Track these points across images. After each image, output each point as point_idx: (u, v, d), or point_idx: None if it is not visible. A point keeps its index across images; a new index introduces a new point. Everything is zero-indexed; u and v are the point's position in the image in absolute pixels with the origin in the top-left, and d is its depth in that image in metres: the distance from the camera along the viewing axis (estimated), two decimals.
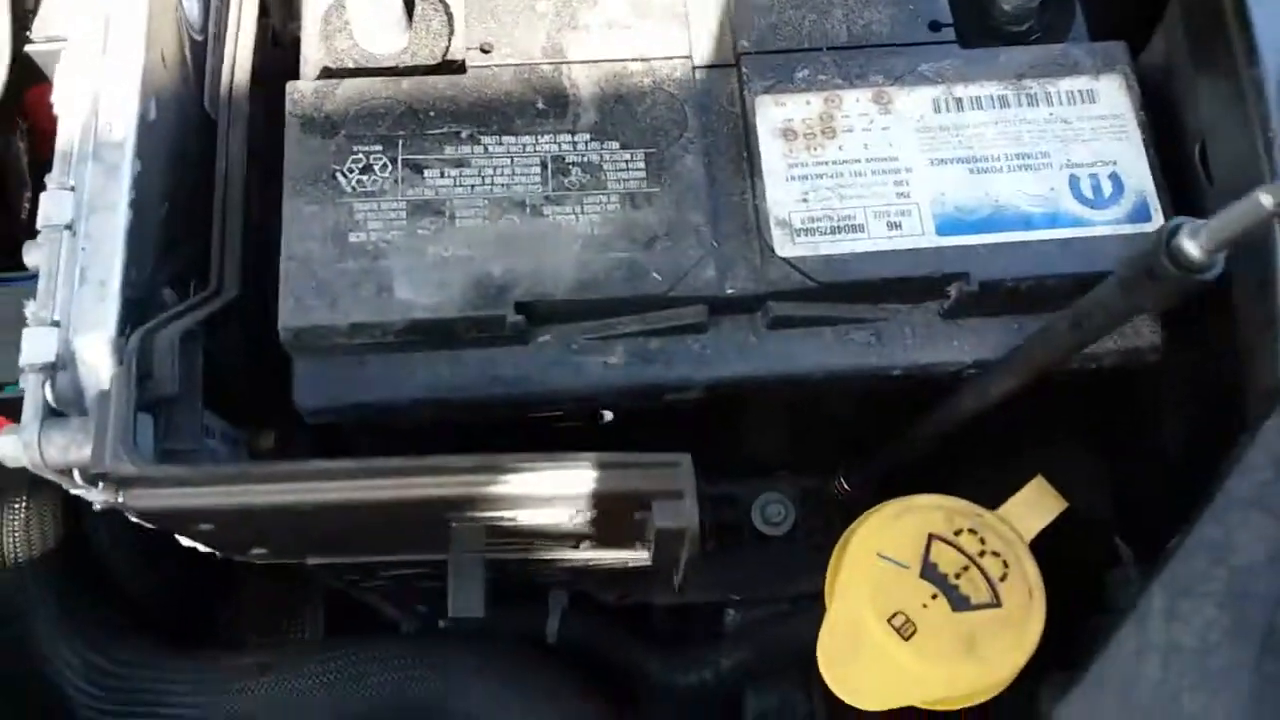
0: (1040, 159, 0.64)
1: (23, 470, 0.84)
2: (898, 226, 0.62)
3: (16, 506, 0.81)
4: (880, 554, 0.59)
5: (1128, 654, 0.53)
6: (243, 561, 0.67)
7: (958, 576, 0.59)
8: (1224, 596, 0.52)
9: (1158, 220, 0.63)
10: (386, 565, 0.74)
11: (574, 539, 0.65)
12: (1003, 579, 0.59)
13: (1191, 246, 0.43)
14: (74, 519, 0.86)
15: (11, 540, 0.81)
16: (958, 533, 0.60)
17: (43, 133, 0.77)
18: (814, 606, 0.64)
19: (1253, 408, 0.57)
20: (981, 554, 0.59)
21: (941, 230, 0.62)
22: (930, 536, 0.59)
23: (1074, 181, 0.63)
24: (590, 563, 0.75)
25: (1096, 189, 0.63)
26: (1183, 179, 0.65)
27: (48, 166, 0.66)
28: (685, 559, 0.60)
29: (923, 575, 0.59)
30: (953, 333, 0.64)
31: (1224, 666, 0.51)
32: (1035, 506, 0.61)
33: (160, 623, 0.88)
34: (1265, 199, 0.38)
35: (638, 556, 0.70)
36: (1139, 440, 0.76)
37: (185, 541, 0.65)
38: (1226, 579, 0.52)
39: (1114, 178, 0.64)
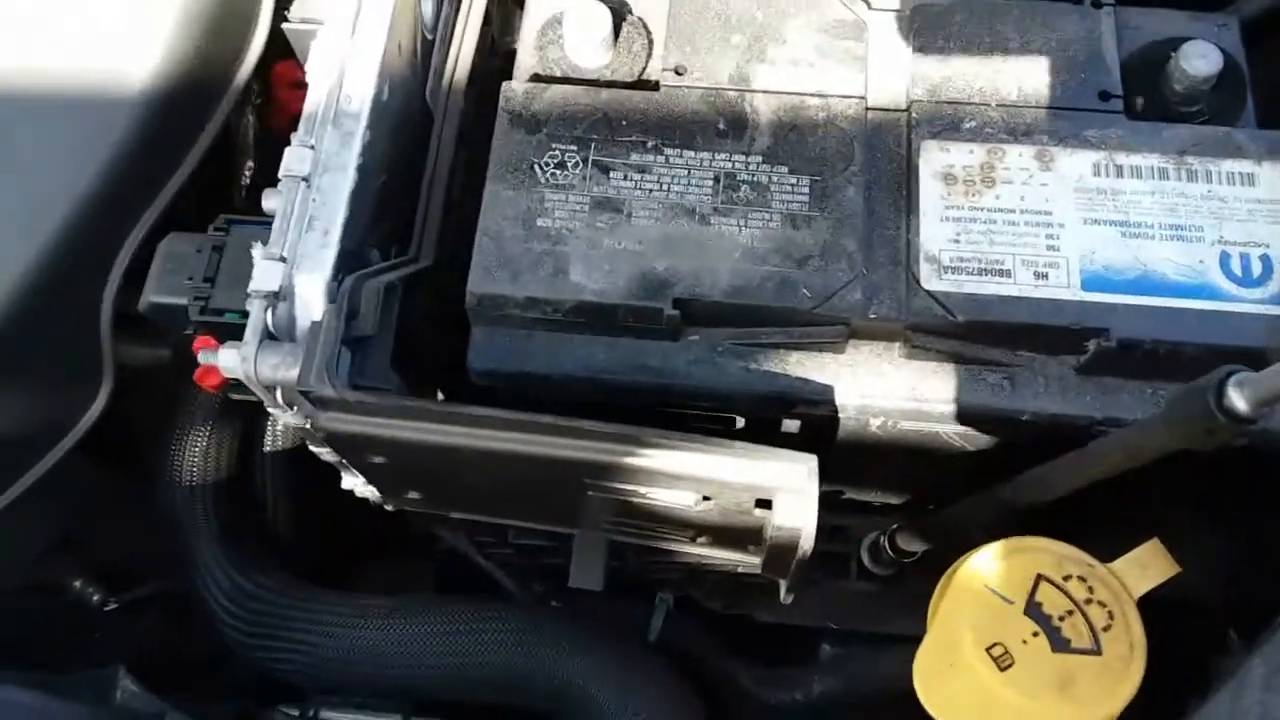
0: (1193, 232, 0.66)
1: (211, 403, 0.94)
2: (1044, 277, 0.65)
3: (200, 435, 0.91)
4: (987, 586, 0.62)
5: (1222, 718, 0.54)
6: (375, 534, 0.72)
7: (1061, 619, 0.60)
8: None
9: None
10: (520, 532, 0.80)
11: (694, 530, 0.70)
12: (1106, 629, 0.60)
13: (1239, 398, 0.43)
14: (245, 457, 0.96)
15: (190, 464, 0.91)
16: (1066, 578, 0.62)
17: (277, 105, 0.88)
18: (909, 648, 0.66)
19: None
20: (1088, 602, 0.61)
21: (1087, 286, 0.64)
22: (1039, 577, 0.61)
23: (1225, 258, 0.65)
24: (704, 561, 0.79)
25: (1246, 268, 0.65)
26: None
27: (271, 139, 0.76)
28: (795, 567, 0.64)
29: (1026, 612, 0.61)
30: (1086, 388, 0.66)
31: None
32: (1147, 567, 0.63)
33: (301, 561, 0.96)
34: None
35: (749, 560, 0.74)
36: (1265, 527, 0.75)
37: (348, 481, 0.73)
38: None
39: (1265, 259, 0.65)
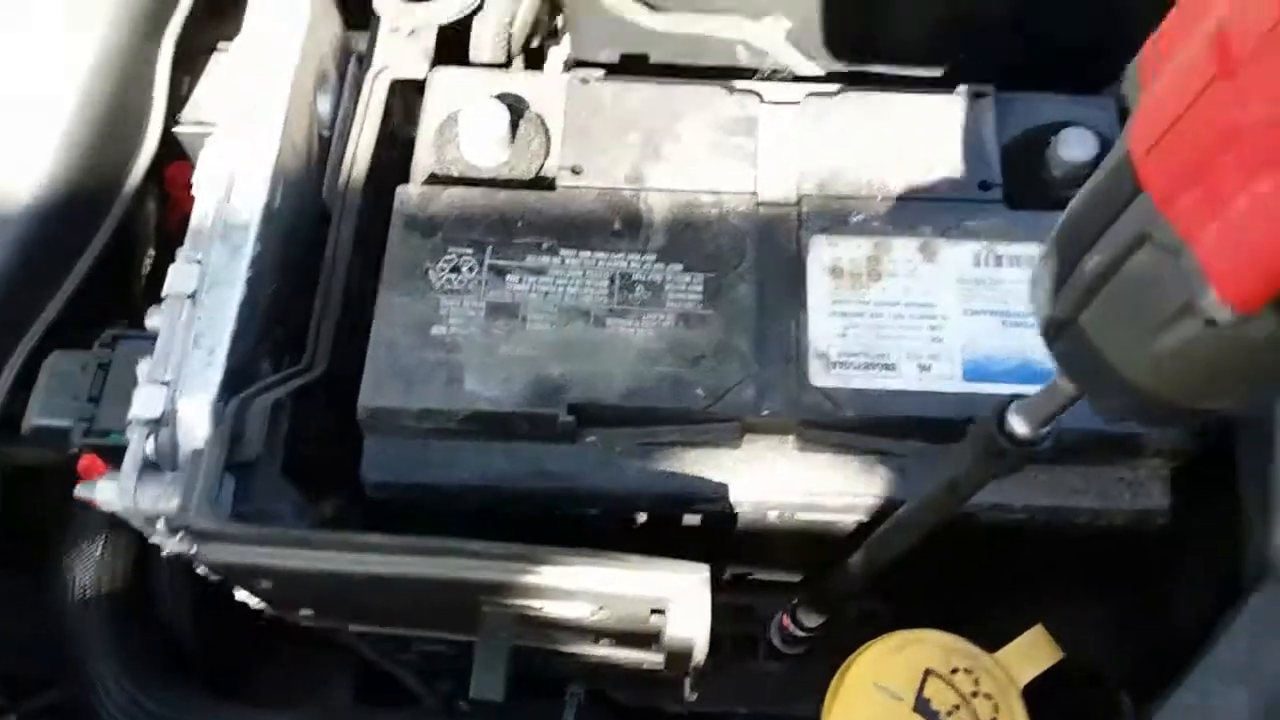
0: None
1: (102, 513, 0.92)
2: (928, 369, 0.67)
3: (95, 544, 0.89)
4: (877, 684, 0.63)
5: None
6: (283, 626, 0.72)
7: (949, 714, 0.62)
8: None
9: None
10: (420, 640, 0.79)
11: (594, 634, 0.70)
12: None
13: (1018, 422, 0.45)
14: (142, 564, 0.93)
15: (84, 574, 0.88)
16: (953, 671, 0.63)
17: (172, 204, 0.87)
18: None
19: (1248, 581, 0.60)
20: (974, 694, 0.62)
21: (969, 376, 0.66)
22: (927, 672, 0.63)
23: None
24: (608, 660, 0.79)
25: None
26: None
27: (172, 232, 0.75)
28: (694, 669, 0.65)
29: (915, 709, 0.62)
30: None
31: None
32: (1031, 654, 0.64)
33: (202, 672, 0.94)
34: (1062, 384, 0.40)
35: (652, 659, 0.74)
36: (1151, 599, 0.78)
37: (241, 595, 0.72)
38: None
39: None
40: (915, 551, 0.62)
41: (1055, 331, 0.31)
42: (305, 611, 0.67)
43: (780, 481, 0.68)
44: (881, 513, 0.68)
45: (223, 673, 0.94)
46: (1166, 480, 0.68)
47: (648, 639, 0.65)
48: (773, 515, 0.70)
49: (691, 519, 0.71)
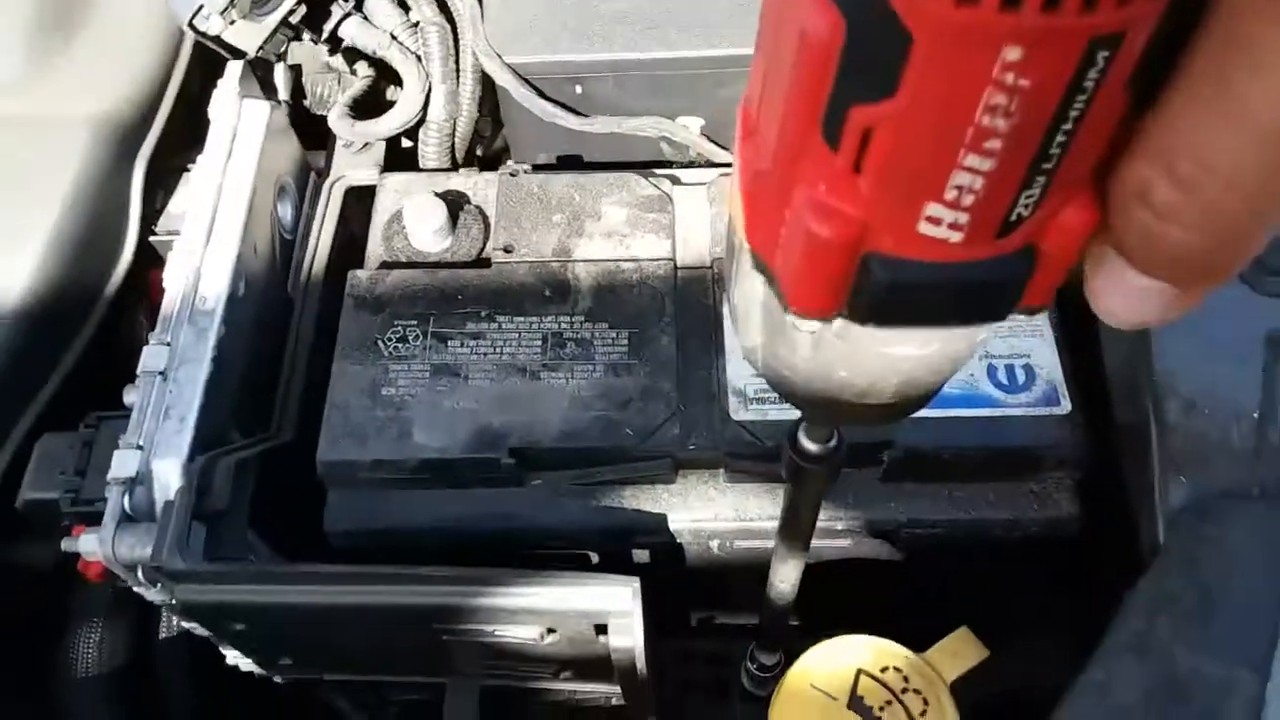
0: None
1: (102, 594, 0.97)
2: None
3: (93, 626, 0.93)
4: (813, 685, 0.67)
5: None
6: (279, 703, 0.75)
7: (881, 709, 0.66)
8: None
9: (1065, 405, 0.73)
10: (396, 688, 0.83)
11: (555, 665, 0.74)
12: (922, 714, 0.65)
13: (807, 441, 0.48)
14: (141, 644, 0.97)
15: (85, 657, 0.92)
16: (884, 670, 0.67)
17: (154, 307, 0.95)
18: None
19: (1144, 564, 0.65)
20: (904, 690, 0.66)
21: None
22: (859, 671, 0.67)
23: (991, 369, 0.74)
24: (574, 697, 0.83)
25: (1012, 377, 0.74)
26: (1091, 372, 0.75)
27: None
28: (642, 691, 0.68)
29: (850, 706, 0.66)
30: (889, 494, 0.73)
31: None
32: (958, 653, 0.68)
33: None
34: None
35: (614, 690, 0.78)
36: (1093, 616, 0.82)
37: (229, 655, 0.76)
38: (1107, 717, 0.59)
39: (1027, 368, 0.74)
40: (827, 577, 0.66)
41: (752, 357, 0.33)
42: (285, 661, 0.71)
43: (714, 510, 0.73)
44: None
45: None
46: (1073, 490, 0.74)
47: (604, 667, 0.69)
48: (714, 544, 0.75)
49: (641, 555, 0.76)
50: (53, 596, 0.91)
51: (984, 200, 0.23)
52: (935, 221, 0.24)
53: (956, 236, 0.24)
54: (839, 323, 0.28)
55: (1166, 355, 0.67)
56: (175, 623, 0.98)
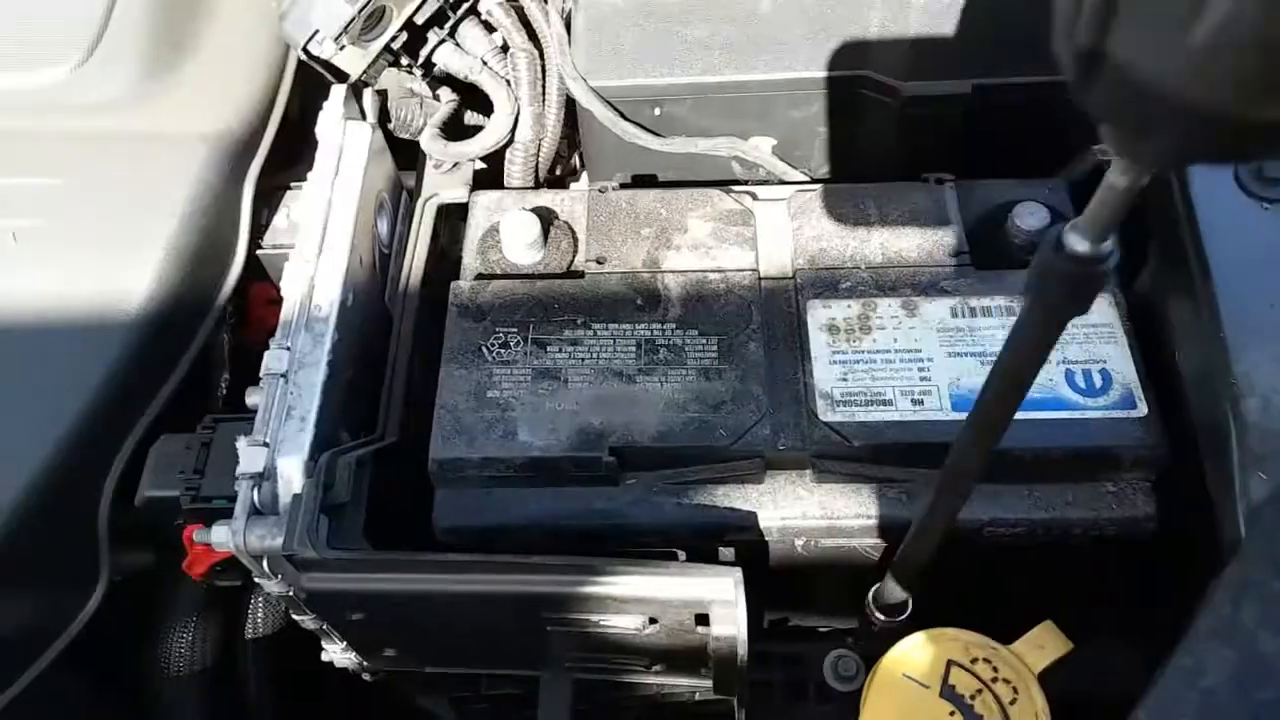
0: None
1: (196, 595, 1.01)
2: (920, 403, 0.76)
3: (187, 626, 0.97)
4: (905, 674, 0.69)
5: None
6: (367, 695, 0.78)
7: (973, 698, 0.68)
8: (1196, 716, 0.61)
9: (1142, 408, 0.76)
10: (491, 682, 0.86)
11: (649, 657, 0.77)
12: (1012, 703, 0.68)
13: (1076, 240, 0.40)
14: (228, 644, 1.01)
15: (178, 654, 0.96)
16: (974, 661, 0.70)
17: (254, 321, 0.99)
18: None
19: (1226, 558, 0.67)
20: (994, 680, 0.69)
21: (956, 407, 0.76)
22: (949, 662, 0.70)
23: (1070, 374, 0.77)
24: (664, 690, 0.85)
25: (1089, 381, 0.77)
26: (1165, 375, 0.78)
27: (245, 353, 0.86)
28: (740, 681, 0.71)
29: (942, 694, 0.68)
30: (972, 493, 0.76)
31: None
32: (1044, 645, 0.71)
33: None
34: (1115, 178, 0.36)
35: (703, 684, 0.81)
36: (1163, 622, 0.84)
37: (327, 652, 0.79)
38: (1198, 700, 0.61)
39: (1104, 373, 0.77)
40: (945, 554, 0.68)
41: (1085, 73, 0.27)
42: (389, 652, 0.75)
43: (802, 510, 0.76)
44: (893, 533, 0.76)
45: None
46: (1149, 490, 0.77)
47: (697, 657, 0.72)
48: (799, 543, 0.78)
49: (727, 553, 0.79)
50: (152, 594, 0.95)
51: None
52: None
53: None
54: None
55: (1243, 357, 0.70)
56: (260, 624, 1.02)
